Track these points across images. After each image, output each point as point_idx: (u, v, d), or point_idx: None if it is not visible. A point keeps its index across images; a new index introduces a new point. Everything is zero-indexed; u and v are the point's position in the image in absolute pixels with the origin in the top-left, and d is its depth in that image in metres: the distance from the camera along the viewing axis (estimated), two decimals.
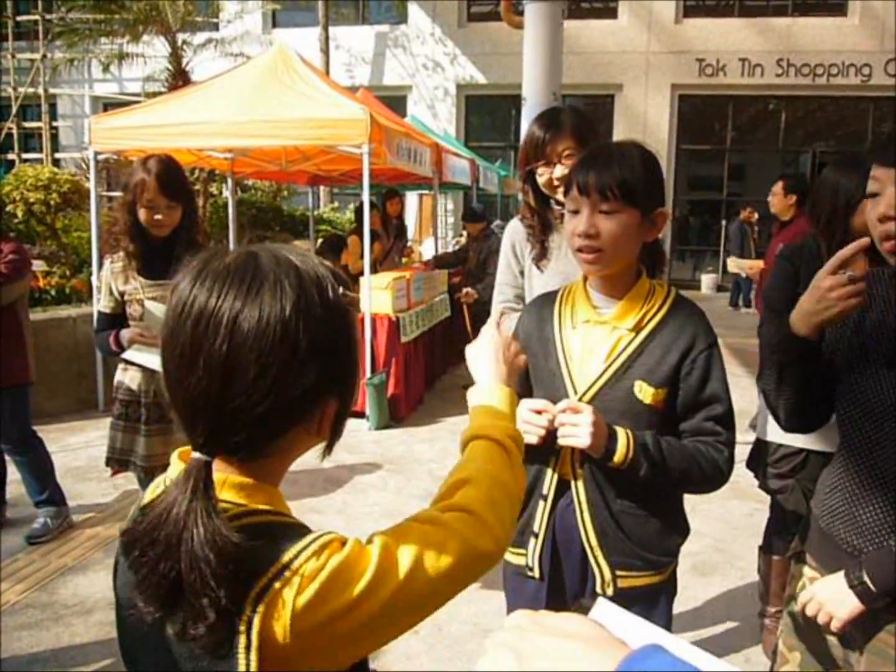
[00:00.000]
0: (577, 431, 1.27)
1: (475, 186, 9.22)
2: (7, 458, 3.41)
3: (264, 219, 10.68)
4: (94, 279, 5.28)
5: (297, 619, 0.65)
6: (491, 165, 10.98)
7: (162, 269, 2.33)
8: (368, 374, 5.13)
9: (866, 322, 1.27)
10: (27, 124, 14.30)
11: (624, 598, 1.34)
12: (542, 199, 1.96)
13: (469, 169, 8.59)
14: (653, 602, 1.44)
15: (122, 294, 2.41)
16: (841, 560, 1.25)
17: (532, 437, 1.31)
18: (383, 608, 0.69)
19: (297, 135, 5.10)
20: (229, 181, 7.59)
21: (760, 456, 2.49)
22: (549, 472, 1.42)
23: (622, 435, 1.31)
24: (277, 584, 0.66)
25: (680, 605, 1.55)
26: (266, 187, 11.39)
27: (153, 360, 2.24)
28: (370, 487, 4.10)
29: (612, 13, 14.08)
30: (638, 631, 0.56)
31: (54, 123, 14.88)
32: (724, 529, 3.53)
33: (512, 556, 1.49)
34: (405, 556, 0.72)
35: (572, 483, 1.40)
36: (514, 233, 2.07)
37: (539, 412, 1.32)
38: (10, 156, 13.82)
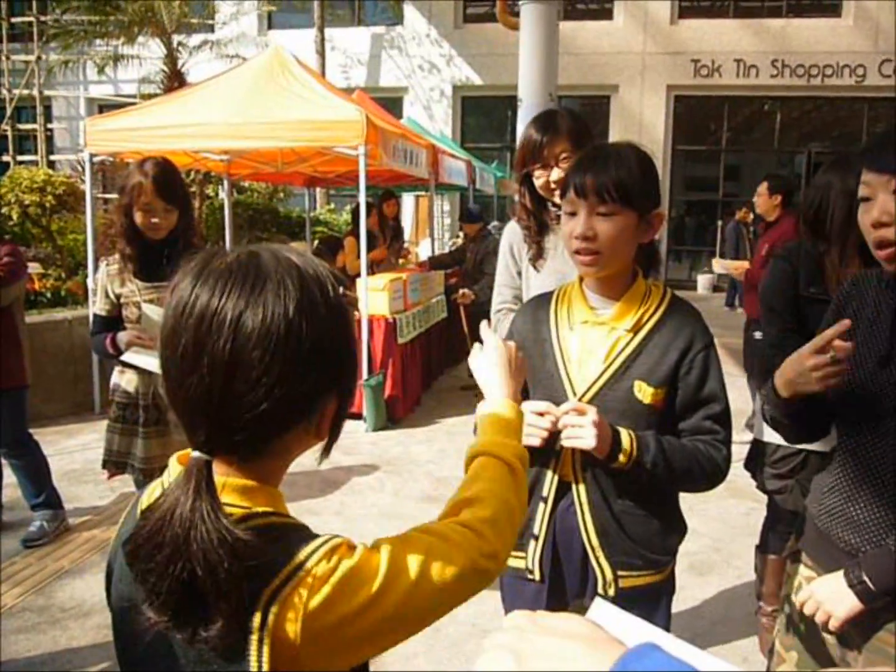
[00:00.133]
0: (583, 433, 1.27)
1: (471, 187, 9.23)
2: (3, 461, 3.40)
3: (260, 220, 10.66)
4: (89, 282, 5.26)
5: (310, 620, 0.66)
6: (487, 166, 10.98)
7: (158, 272, 2.32)
8: (365, 375, 5.12)
9: (859, 323, 1.28)
10: (22, 126, 14.24)
11: (625, 599, 1.34)
12: (538, 201, 1.97)
13: (465, 170, 8.59)
14: (654, 602, 1.44)
15: (118, 297, 2.41)
16: (838, 559, 1.25)
17: (535, 439, 1.30)
18: (390, 614, 0.70)
19: (293, 136, 5.09)
20: (225, 183, 7.58)
21: (758, 456, 2.49)
22: (550, 473, 1.42)
23: (625, 435, 1.31)
24: (291, 585, 0.66)
25: (678, 605, 1.55)
26: (262, 189, 11.38)
27: (152, 363, 2.24)
28: (368, 489, 4.09)
29: (607, 14, 14.10)
30: (635, 631, 0.56)
31: (49, 125, 14.82)
32: (721, 529, 3.53)
33: (510, 560, 1.49)
34: (412, 565, 0.72)
35: (573, 484, 1.40)
36: (512, 234, 2.09)
37: (541, 414, 1.32)
38: (5, 158, 13.76)
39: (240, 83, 5.45)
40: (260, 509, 0.73)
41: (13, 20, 14.03)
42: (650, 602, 1.43)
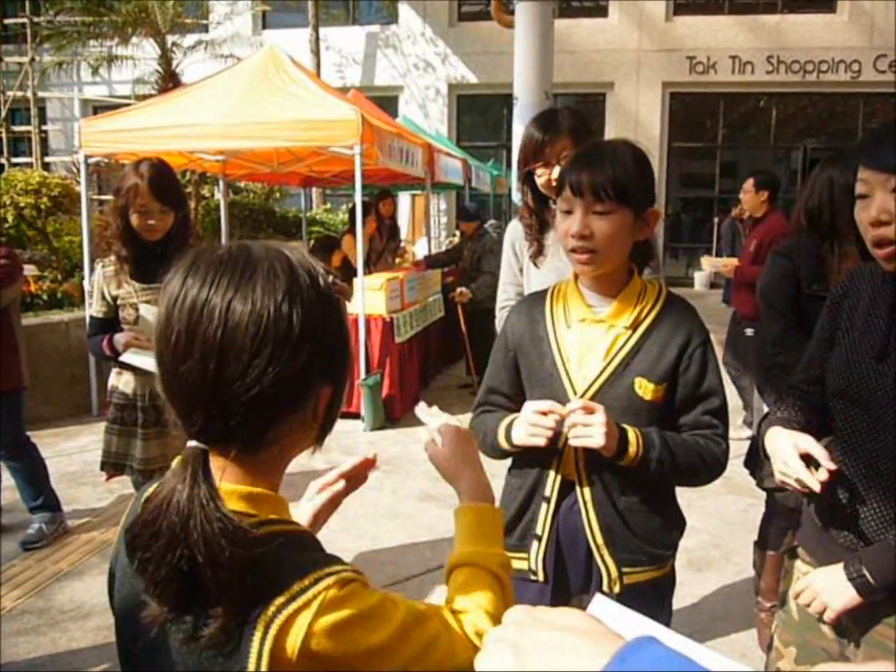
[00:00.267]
0: (591, 431, 1.26)
1: (467, 186, 9.23)
2: (1, 463, 3.40)
3: (257, 221, 10.65)
4: (86, 283, 5.26)
5: (314, 639, 0.66)
6: (483, 165, 10.97)
7: (154, 273, 2.32)
8: (363, 374, 5.12)
9: (855, 318, 1.28)
10: (16, 128, 14.19)
11: (630, 595, 1.35)
12: (540, 199, 1.98)
13: (461, 169, 8.58)
14: (657, 597, 1.45)
15: (114, 298, 2.40)
16: (836, 554, 1.25)
17: (540, 438, 1.30)
18: (399, 668, 0.71)
19: (288, 136, 5.08)
20: (221, 183, 7.57)
21: (758, 454, 2.49)
22: (552, 473, 1.42)
23: (631, 433, 1.31)
24: (299, 602, 0.66)
25: (677, 601, 1.56)
26: (258, 189, 11.36)
27: (150, 363, 2.23)
28: (366, 488, 4.03)
29: (602, 11, 14.10)
30: (634, 625, 0.56)
31: (44, 127, 14.78)
32: (719, 525, 3.54)
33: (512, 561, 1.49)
34: (428, 633, 0.74)
35: (576, 483, 1.40)
36: (514, 232, 2.11)
37: (545, 413, 1.31)
38: (0, 160, 13.73)
39: (235, 83, 5.44)
40: (266, 517, 0.73)
41: (6, 21, 13.98)
42: (654, 596, 1.44)
